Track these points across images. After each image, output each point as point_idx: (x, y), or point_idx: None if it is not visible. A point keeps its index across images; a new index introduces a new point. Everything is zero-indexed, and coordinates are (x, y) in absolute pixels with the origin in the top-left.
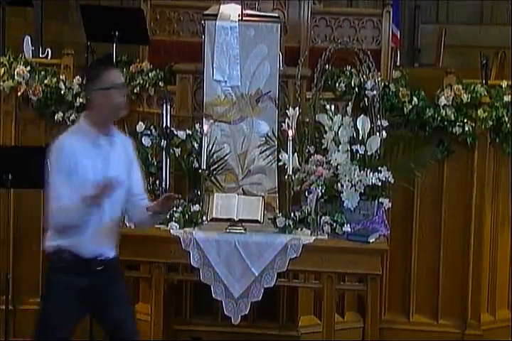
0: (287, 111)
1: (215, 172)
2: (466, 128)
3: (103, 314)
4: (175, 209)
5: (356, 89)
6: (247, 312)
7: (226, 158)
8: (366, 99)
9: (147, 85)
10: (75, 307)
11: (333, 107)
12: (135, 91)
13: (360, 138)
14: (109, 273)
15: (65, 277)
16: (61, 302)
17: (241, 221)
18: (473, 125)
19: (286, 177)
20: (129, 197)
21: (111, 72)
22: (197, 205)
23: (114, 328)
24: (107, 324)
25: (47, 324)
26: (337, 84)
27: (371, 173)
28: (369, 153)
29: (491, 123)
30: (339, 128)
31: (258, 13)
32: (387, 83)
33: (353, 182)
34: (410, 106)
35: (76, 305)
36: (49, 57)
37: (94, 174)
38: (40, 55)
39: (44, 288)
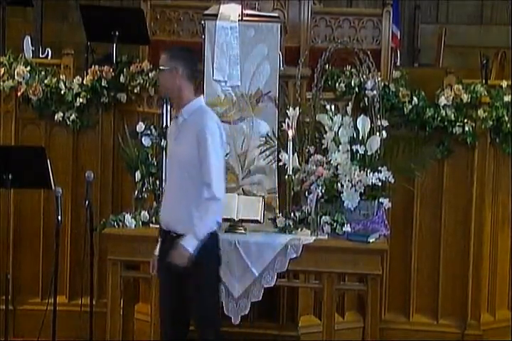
0: (287, 111)
1: None
2: (466, 128)
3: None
4: None
5: (356, 89)
6: (247, 312)
7: (226, 158)
8: (366, 99)
9: (147, 85)
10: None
11: (333, 107)
12: (135, 91)
13: (360, 138)
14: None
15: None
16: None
17: (241, 221)
18: (473, 125)
19: (286, 177)
20: None
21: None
22: None
23: None
24: None
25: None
26: (337, 84)
27: (371, 173)
28: (369, 153)
29: (491, 123)
30: (339, 128)
31: (258, 13)
32: (387, 83)
33: (353, 182)
34: (410, 106)
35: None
36: (49, 57)
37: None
38: (40, 55)
39: None
